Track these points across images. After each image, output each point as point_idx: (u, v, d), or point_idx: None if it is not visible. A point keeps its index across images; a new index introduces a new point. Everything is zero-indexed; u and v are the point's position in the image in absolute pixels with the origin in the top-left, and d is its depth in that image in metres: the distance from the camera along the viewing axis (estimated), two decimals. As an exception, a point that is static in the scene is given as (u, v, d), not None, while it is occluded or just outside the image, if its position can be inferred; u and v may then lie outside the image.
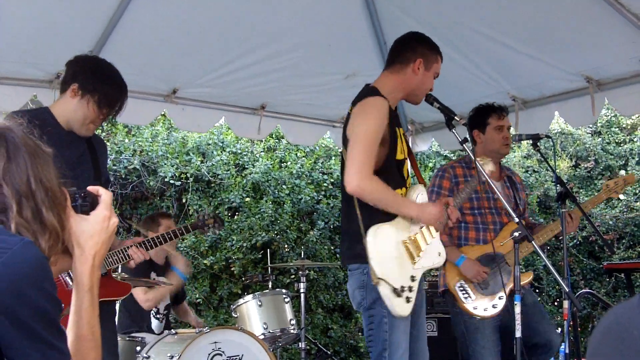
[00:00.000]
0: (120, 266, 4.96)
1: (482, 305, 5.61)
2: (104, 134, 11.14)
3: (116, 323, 5.51)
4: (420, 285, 4.84)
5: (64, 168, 3.92)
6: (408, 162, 4.89)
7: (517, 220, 4.53)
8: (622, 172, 13.30)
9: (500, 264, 5.61)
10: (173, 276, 7.01)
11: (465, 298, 5.63)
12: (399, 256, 4.52)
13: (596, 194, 7.06)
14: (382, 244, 4.48)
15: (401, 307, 4.43)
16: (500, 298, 5.57)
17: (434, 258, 4.72)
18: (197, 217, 5.47)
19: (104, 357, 4.89)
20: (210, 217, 5.46)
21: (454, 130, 4.65)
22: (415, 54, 4.83)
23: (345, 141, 4.69)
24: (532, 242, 4.48)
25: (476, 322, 5.64)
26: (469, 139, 4.71)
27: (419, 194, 4.76)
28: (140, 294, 6.84)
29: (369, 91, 4.76)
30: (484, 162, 4.92)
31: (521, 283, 5.67)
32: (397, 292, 4.40)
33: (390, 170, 4.63)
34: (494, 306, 5.60)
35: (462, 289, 5.65)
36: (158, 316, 7.06)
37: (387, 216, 4.55)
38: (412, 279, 4.51)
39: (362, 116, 4.61)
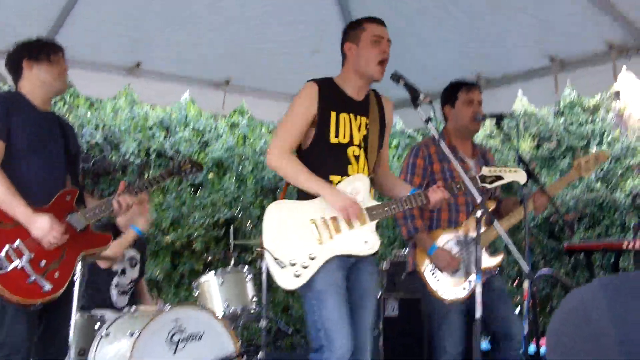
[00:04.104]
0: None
1: (452, 289, 5.57)
2: (66, 106, 11.02)
3: (76, 301, 5.50)
4: (364, 272, 4.83)
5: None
6: (359, 150, 4.83)
7: (479, 199, 4.52)
8: (593, 149, 13.41)
9: (471, 246, 5.58)
10: (129, 233, 7.01)
11: (436, 282, 5.59)
12: (298, 233, 4.58)
13: (562, 175, 7.04)
14: (276, 218, 4.67)
15: (284, 280, 4.53)
16: (470, 281, 5.54)
17: (356, 245, 4.65)
18: (173, 164, 5.57)
19: (62, 331, 4.97)
20: (186, 162, 5.54)
21: (419, 109, 4.63)
22: (343, 43, 4.94)
23: None
24: (495, 223, 4.50)
25: (443, 305, 5.62)
26: (433, 117, 4.66)
27: (357, 183, 4.75)
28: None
29: None
30: (512, 170, 5.00)
31: (492, 266, 5.72)
32: (280, 264, 4.51)
33: (320, 153, 4.72)
34: (463, 289, 5.57)
35: (432, 272, 5.61)
36: (120, 289, 7.00)
37: (306, 196, 4.68)
38: (311, 257, 4.52)
39: (292, 101, 4.86)
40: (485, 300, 4.62)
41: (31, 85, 5.01)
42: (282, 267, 4.51)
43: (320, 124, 4.70)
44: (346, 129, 4.75)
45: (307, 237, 4.56)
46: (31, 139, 4.86)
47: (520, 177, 5.05)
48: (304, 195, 4.70)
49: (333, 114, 4.72)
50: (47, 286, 4.62)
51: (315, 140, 4.72)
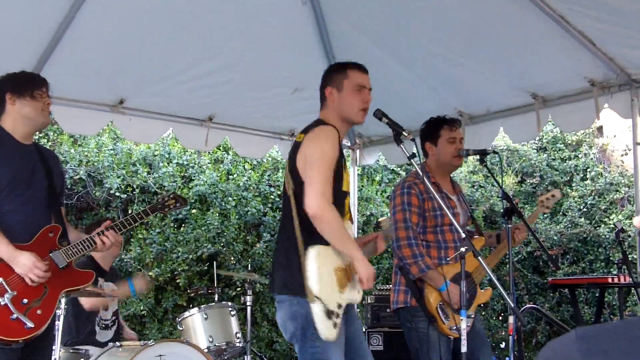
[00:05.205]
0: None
1: (455, 326, 5.57)
2: (49, 143, 11.01)
3: (59, 336, 5.49)
4: (354, 313, 4.87)
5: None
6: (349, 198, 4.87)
7: (463, 235, 4.55)
8: (576, 185, 13.48)
9: (470, 282, 5.56)
10: (123, 285, 7.03)
11: (446, 319, 5.57)
12: (331, 281, 4.48)
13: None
14: (321, 265, 4.45)
15: (329, 331, 4.39)
16: (470, 316, 5.52)
17: (354, 294, 4.67)
18: (157, 199, 5.55)
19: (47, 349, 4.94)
20: (170, 197, 5.50)
21: (402, 146, 4.64)
22: (324, 86, 4.87)
23: (293, 170, 4.64)
24: (478, 258, 4.52)
25: (444, 342, 5.60)
26: (416, 153, 4.66)
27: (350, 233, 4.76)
28: (82, 300, 6.81)
29: (320, 121, 4.77)
30: None
31: (483, 301, 5.74)
32: (329, 314, 4.38)
33: (336, 202, 4.56)
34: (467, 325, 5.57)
35: (442, 310, 5.59)
36: (102, 324, 6.96)
37: (314, 240, 4.49)
38: (339, 306, 4.47)
39: (317, 142, 4.60)
40: (468, 342, 4.63)
41: (13, 119, 4.97)
42: (329, 318, 4.38)
43: (338, 171, 4.59)
44: (347, 176, 4.76)
45: (334, 284, 4.49)
46: (14, 175, 4.84)
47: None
48: (310, 238, 4.50)
49: (343, 161, 4.70)
50: (29, 324, 4.60)
51: (336, 189, 4.57)
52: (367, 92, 4.81)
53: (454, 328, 5.57)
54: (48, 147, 5.42)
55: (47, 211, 5.01)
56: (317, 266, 4.41)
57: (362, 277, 4.47)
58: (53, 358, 5.85)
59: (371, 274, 4.48)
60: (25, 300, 4.63)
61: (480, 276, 5.68)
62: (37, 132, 5.45)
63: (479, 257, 4.53)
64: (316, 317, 4.37)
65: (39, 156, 5.11)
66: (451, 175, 6.22)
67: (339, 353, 4.51)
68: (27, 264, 4.63)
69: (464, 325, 4.57)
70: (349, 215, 4.82)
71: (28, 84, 5.02)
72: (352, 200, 7.05)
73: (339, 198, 4.61)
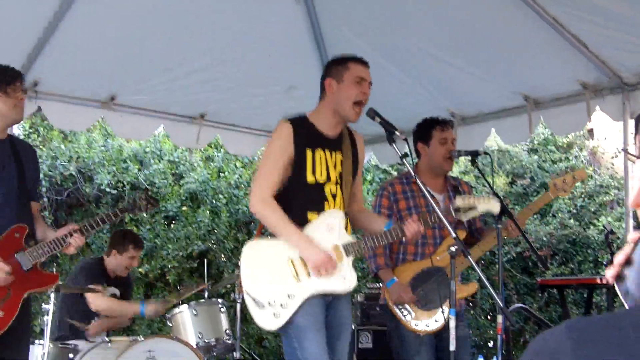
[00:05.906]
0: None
1: (424, 321, 5.56)
2: (39, 139, 10.99)
3: (48, 331, 5.50)
4: (342, 307, 4.85)
5: None
6: (335, 187, 4.85)
7: (454, 235, 4.54)
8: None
9: (441, 278, 5.57)
10: (134, 305, 7.09)
11: (405, 315, 5.58)
12: (277, 272, 4.59)
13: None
14: (253, 258, 4.69)
15: (264, 321, 4.53)
16: (442, 312, 5.52)
17: (335, 283, 4.65)
18: (128, 200, 5.56)
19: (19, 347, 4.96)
20: (142, 198, 5.52)
21: (394, 145, 4.65)
22: (324, 78, 4.92)
23: None
24: (468, 257, 4.51)
25: (412, 337, 5.60)
26: (409, 153, 4.68)
27: (331, 219, 4.75)
28: (93, 299, 6.82)
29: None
30: (486, 199, 5.04)
31: (465, 295, 5.74)
32: (259, 305, 4.49)
33: (297, 191, 4.72)
34: (436, 321, 5.55)
35: (401, 306, 5.62)
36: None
37: None
38: (290, 296, 4.52)
39: (268, 143, 4.91)
40: (448, 347, 4.63)
41: None
42: (261, 308, 4.49)
43: (297, 162, 4.70)
44: (322, 166, 4.76)
45: (284, 276, 4.56)
46: None
47: (494, 206, 5.06)
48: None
49: (309, 152, 4.72)
50: None
51: (291, 179, 4.71)
52: (366, 85, 4.84)
53: (416, 325, 5.59)
54: (38, 144, 5.34)
55: (16, 210, 4.99)
56: (246, 262, 4.68)
57: (310, 266, 4.57)
58: (42, 352, 5.89)
59: (319, 260, 4.54)
60: None
61: (457, 270, 5.64)
62: (28, 128, 5.41)
63: (469, 257, 4.53)
64: (249, 307, 4.56)
65: (12, 151, 5.10)
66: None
67: (315, 338, 4.54)
68: None
69: (452, 323, 4.56)
70: (335, 202, 4.82)
71: (1, 79, 4.99)
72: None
73: (301, 190, 4.72)
